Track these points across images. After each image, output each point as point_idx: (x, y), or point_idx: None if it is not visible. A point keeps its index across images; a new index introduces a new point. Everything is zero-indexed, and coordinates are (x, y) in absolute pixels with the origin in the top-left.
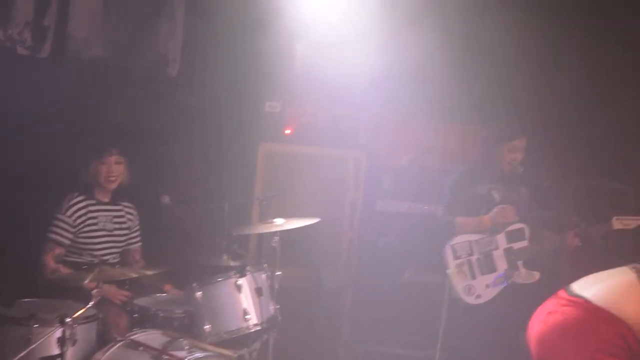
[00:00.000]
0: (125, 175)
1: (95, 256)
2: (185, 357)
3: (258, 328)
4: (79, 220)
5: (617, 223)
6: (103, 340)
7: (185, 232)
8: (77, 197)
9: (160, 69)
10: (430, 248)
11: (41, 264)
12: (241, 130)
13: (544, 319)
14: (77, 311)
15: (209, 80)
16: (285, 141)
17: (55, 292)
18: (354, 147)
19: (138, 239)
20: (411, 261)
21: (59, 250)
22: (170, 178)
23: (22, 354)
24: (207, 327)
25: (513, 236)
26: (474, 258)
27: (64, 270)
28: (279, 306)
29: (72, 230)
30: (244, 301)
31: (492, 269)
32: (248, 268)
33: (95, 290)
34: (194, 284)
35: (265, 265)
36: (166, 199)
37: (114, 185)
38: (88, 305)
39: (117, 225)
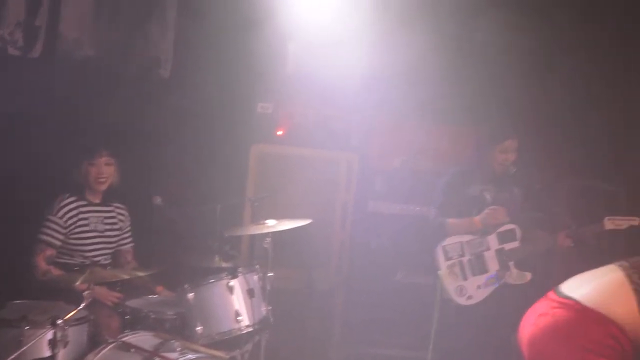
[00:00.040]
0: (115, 177)
1: (86, 257)
2: (177, 359)
3: (250, 329)
4: (70, 222)
5: (609, 223)
6: (94, 342)
7: (177, 233)
8: (68, 198)
9: (152, 70)
10: (422, 249)
11: (32, 265)
12: (233, 131)
13: (534, 321)
14: (69, 313)
15: (201, 82)
16: (277, 142)
17: (47, 294)
18: (346, 148)
19: (130, 239)
20: (403, 262)
21: (50, 252)
22: (162, 179)
23: (13, 356)
24: (199, 328)
25: (504, 237)
26: (465, 259)
27: (55, 271)
28: (270, 307)
29: (63, 231)
30: (236, 302)
31: (483, 269)
32: (240, 269)
33: (86, 292)
34: (186, 286)
35: (257, 266)
36: (158, 200)
37: (104, 187)
38: (79, 307)
39: (108, 226)
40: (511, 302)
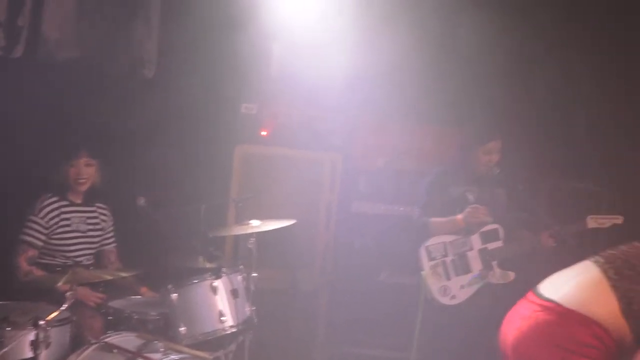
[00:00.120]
0: (96, 177)
1: (68, 258)
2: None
3: (234, 330)
4: (52, 222)
5: (592, 222)
6: (77, 343)
7: (160, 234)
8: (50, 198)
9: (136, 70)
10: (406, 250)
11: (14, 266)
12: (217, 131)
13: (517, 325)
14: (51, 314)
15: (185, 82)
16: (261, 143)
17: (29, 295)
18: (329, 149)
19: (113, 240)
20: (387, 263)
21: (32, 252)
22: (146, 180)
23: None
24: (182, 329)
25: (487, 237)
26: (448, 259)
27: (37, 272)
28: (254, 308)
29: (45, 231)
30: (220, 303)
31: (466, 269)
32: (224, 270)
33: (69, 293)
34: (169, 286)
35: (241, 266)
36: (141, 201)
37: (84, 188)
38: (62, 308)
39: (90, 227)
40: (495, 302)
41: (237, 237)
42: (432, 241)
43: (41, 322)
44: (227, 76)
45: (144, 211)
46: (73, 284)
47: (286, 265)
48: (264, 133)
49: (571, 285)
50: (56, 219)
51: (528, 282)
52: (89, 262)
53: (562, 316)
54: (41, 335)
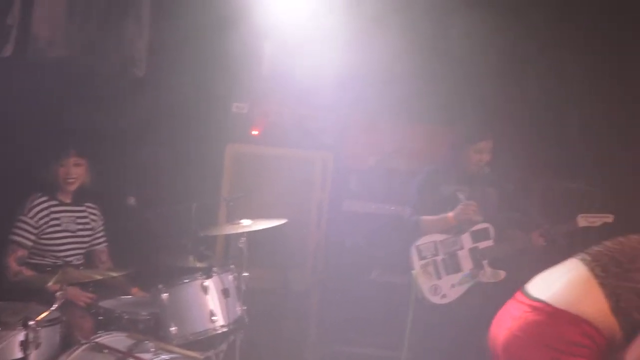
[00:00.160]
0: (86, 177)
1: (58, 258)
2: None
3: (225, 329)
4: (41, 221)
5: (582, 220)
6: (67, 343)
7: (151, 233)
8: (39, 197)
9: (127, 69)
10: (397, 249)
11: (3, 266)
12: (208, 131)
13: (507, 325)
14: (41, 314)
15: (175, 81)
16: (252, 142)
17: (18, 295)
18: (321, 147)
19: (103, 239)
20: (378, 262)
21: (21, 252)
22: (136, 179)
23: None
24: (173, 328)
25: (478, 236)
26: (439, 258)
27: (27, 272)
28: (245, 307)
29: (35, 231)
30: (211, 302)
31: (457, 268)
32: (215, 269)
33: (59, 293)
34: (160, 286)
35: (232, 266)
36: (132, 200)
37: (73, 187)
38: (52, 308)
39: (80, 226)
40: (486, 301)
41: (228, 236)
42: (422, 240)
43: (31, 323)
44: (218, 75)
45: (134, 210)
46: (63, 283)
47: (277, 265)
48: (255, 132)
49: (559, 284)
50: (46, 219)
51: (519, 281)
52: (79, 262)
53: (551, 316)
54: (31, 335)
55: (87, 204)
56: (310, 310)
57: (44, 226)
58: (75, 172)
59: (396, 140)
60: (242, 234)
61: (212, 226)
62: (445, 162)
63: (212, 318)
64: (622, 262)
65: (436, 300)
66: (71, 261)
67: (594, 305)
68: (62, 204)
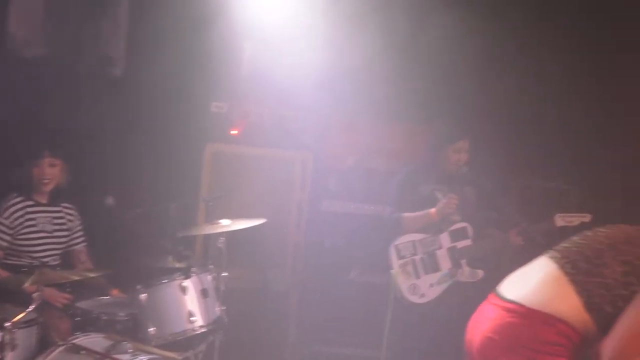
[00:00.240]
0: (61, 177)
1: (34, 258)
2: None
3: (204, 330)
4: (16, 222)
5: (560, 220)
6: (44, 345)
7: (129, 233)
8: (15, 198)
9: (104, 68)
10: (376, 248)
11: None
12: (187, 130)
13: (483, 328)
14: (17, 315)
15: (154, 80)
16: (231, 142)
17: None
18: (300, 147)
19: (81, 240)
20: (357, 262)
21: None
22: (114, 179)
23: None
24: (151, 329)
25: (456, 235)
26: (417, 258)
27: (3, 273)
28: (224, 307)
29: (10, 232)
30: (189, 303)
31: (435, 268)
32: (193, 269)
33: (35, 294)
34: (138, 286)
35: (211, 266)
36: (110, 200)
37: (48, 188)
38: (28, 309)
39: (57, 227)
40: (465, 300)
41: (207, 236)
42: (401, 240)
43: (7, 324)
44: (197, 74)
45: (113, 210)
46: (40, 284)
47: (256, 265)
48: (234, 132)
49: (531, 284)
50: (21, 219)
51: (497, 280)
52: (56, 263)
53: (525, 317)
54: (7, 337)
55: (63, 205)
56: (289, 310)
57: (20, 227)
58: (50, 172)
59: (375, 140)
60: (221, 233)
61: (191, 226)
62: (424, 162)
63: (191, 318)
64: (590, 257)
65: (415, 299)
66: (48, 262)
67: (567, 303)
68: (38, 204)
